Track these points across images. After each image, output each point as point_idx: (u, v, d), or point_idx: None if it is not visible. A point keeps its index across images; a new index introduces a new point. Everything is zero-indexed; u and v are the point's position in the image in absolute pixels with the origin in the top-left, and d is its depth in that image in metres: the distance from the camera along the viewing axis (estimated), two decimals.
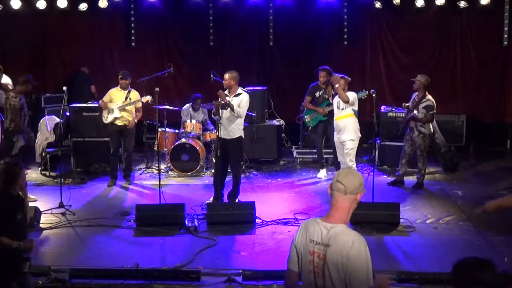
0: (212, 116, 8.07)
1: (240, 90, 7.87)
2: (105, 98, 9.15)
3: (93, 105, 10.08)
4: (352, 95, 8.44)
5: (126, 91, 9.10)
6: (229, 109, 7.66)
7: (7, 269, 4.54)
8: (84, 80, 11.77)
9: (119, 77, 9.11)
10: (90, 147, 10.00)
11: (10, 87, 10.58)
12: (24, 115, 8.57)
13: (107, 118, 9.12)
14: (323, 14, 11.78)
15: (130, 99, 9.06)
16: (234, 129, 7.78)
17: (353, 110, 8.45)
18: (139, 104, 9.11)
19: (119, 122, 9.08)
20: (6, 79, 10.71)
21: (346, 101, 8.39)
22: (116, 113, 9.03)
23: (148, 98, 8.93)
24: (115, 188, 9.08)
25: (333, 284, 3.15)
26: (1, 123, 9.37)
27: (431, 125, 8.70)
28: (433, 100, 8.54)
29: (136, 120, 9.26)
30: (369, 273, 3.14)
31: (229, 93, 7.83)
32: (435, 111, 8.61)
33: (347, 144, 8.45)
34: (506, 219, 7.21)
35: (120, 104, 9.00)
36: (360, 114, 9.01)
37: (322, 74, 9.38)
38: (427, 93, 8.62)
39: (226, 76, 7.84)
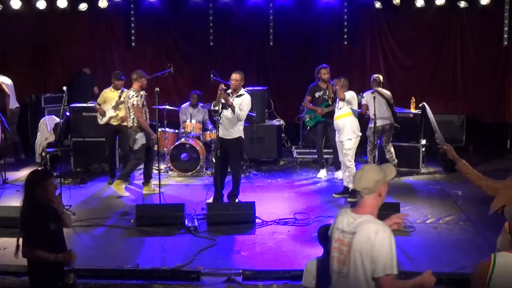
0: (212, 108, 8.00)
1: (242, 91, 7.87)
2: (99, 100, 9.18)
3: (93, 105, 10.07)
4: (349, 94, 8.40)
5: (119, 91, 9.11)
6: (230, 109, 7.66)
7: (51, 282, 4.41)
8: (86, 81, 11.77)
9: (113, 78, 9.14)
10: (90, 147, 10.00)
11: (5, 87, 10.62)
12: (145, 112, 8.53)
13: (102, 119, 9.13)
14: (323, 14, 11.79)
15: (122, 99, 9.06)
16: (234, 129, 7.77)
17: (351, 109, 8.38)
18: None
19: (114, 122, 9.09)
20: (4, 79, 10.74)
21: (342, 99, 8.35)
22: (111, 112, 9.04)
23: (142, 93, 8.91)
24: None
25: (356, 271, 3.27)
26: (1, 123, 9.39)
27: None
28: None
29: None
30: (393, 261, 3.25)
31: (231, 93, 7.81)
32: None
33: (345, 144, 8.39)
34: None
35: (114, 103, 9.01)
36: (360, 114, 9.01)
37: (324, 72, 9.36)
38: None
39: (237, 76, 7.78)
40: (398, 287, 3.31)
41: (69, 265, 4.48)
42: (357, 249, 3.26)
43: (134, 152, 8.54)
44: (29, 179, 4.46)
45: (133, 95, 8.33)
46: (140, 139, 8.38)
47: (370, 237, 3.23)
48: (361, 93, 8.90)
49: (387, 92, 9.78)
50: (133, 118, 8.38)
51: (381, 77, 9.89)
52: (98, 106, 9.17)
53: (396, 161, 9.56)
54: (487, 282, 3.17)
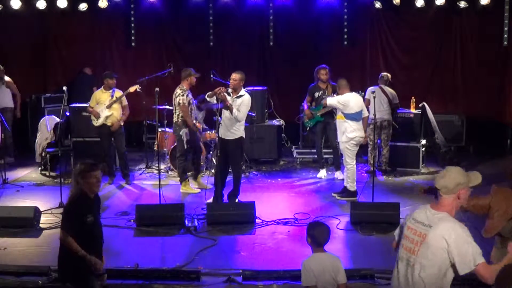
0: (206, 97, 7.99)
1: (243, 91, 7.87)
2: (91, 103, 9.14)
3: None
4: (343, 98, 8.21)
5: (110, 91, 9.11)
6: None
7: (79, 273, 4.55)
8: (86, 81, 11.77)
9: (105, 77, 9.11)
10: (90, 147, 9.97)
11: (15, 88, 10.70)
12: (191, 110, 8.59)
13: (98, 121, 9.11)
14: (323, 14, 11.78)
15: (116, 97, 9.07)
16: (234, 129, 7.76)
17: (343, 113, 8.25)
18: (125, 102, 9.16)
19: (109, 122, 9.08)
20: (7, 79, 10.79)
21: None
22: (106, 112, 9.02)
23: (136, 87, 8.97)
24: (114, 188, 9.09)
25: (424, 262, 3.41)
26: (1, 123, 9.39)
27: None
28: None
29: (123, 121, 9.23)
30: (477, 250, 3.36)
31: (232, 93, 7.81)
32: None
33: (339, 144, 8.58)
34: None
35: (107, 103, 8.99)
36: None
37: (323, 72, 9.37)
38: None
39: (236, 76, 7.76)
40: (493, 269, 3.42)
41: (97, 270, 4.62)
42: (431, 243, 3.40)
43: (177, 149, 8.77)
44: (76, 170, 4.63)
45: (180, 94, 8.41)
46: (185, 135, 8.49)
47: (444, 236, 3.37)
48: (359, 91, 8.97)
49: (391, 91, 9.80)
50: (178, 115, 8.49)
51: (389, 76, 9.99)
52: (91, 109, 9.14)
53: (385, 167, 9.61)
54: None
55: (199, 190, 8.66)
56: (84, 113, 10.06)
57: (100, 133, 9.23)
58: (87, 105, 10.14)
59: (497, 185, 4.63)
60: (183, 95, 8.39)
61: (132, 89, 9.00)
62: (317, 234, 4.37)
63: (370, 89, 9.41)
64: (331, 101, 8.40)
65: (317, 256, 4.32)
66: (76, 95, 10.90)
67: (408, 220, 3.65)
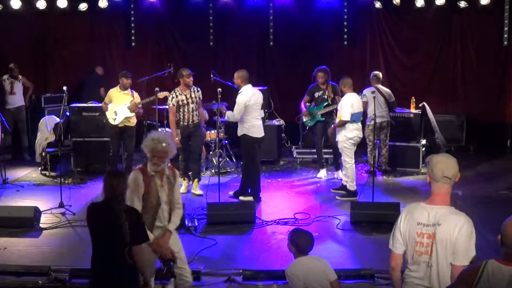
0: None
1: (242, 89, 7.99)
2: (106, 100, 9.12)
3: (93, 105, 10.08)
4: (348, 111, 8.21)
5: (127, 91, 9.08)
6: None
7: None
8: (97, 81, 11.78)
9: (123, 77, 9.04)
10: (90, 147, 9.99)
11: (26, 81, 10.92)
12: (186, 111, 8.50)
13: (116, 119, 9.03)
14: (323, 14, 11.78)
15: (146, 101, 9.06)
16: (239, 127, 8.00)
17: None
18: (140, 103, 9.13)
19: (120, 124, 9.06)
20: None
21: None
22: (127, 113, 8.99)
23: (165, 93, 8.74)
24: None
25: (438, 260, 3.42)
26: (1, 123, 9.39)
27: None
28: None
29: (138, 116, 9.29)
30: (473, 249, 3.41)
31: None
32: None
33: (338, 144, 8.55)
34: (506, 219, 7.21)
35: (129, 103, 8.95)
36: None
37: (320, 75, 9.36)
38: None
39: (235, 75, 8.05)
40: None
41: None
42: (442, 239, 3.40)
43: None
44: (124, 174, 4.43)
45: (170, 95, 8.43)
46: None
47: (456, 228, 3.38)
48: (361, 92, 8.98)
49: (386, 90, 9.81)
50: (196, 114, 8.47)
51: (380, 74, 9.95)
52: (105, 105, 9.10)
53: (385, 167, 9.62)
54: None
55: (201, 193, 8.51)
56: (84, 113, 10.07)
57: (110, 132, 9.19)
58: (87, 105, 10.18)
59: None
60: (169, 96, 8.39)
61: (161, 95, 8.75)
62: (302, 243, 4.37)
63: (369, 89, 9.37)
64: (347, 116, 8.21)
65: (299, 260, 4.33)
66: (86, 94, 11.03)
67: (413, 227, 3.53)
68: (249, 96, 7.95)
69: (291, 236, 4.44)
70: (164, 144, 4.59)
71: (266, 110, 10.71)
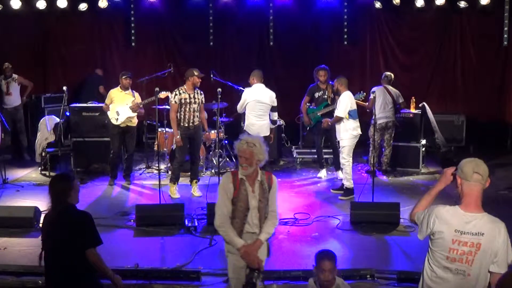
0: None
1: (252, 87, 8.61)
2: (107, 100, 9.11)
3: (93, 105, 10.08)
4: (343, 109, 8.33)
5: (128, 91, 9.08)
6: None
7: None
8: (96, 82, 11.80)
9: (123, 77, 9.02)
10: (90, 147, 9.98)
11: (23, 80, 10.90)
12: (187, 110, 8.41)
13: (118, 119, 9.02)
14: (323, 14, 11.79)
15: (147, 101, 9.06)
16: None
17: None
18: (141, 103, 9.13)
19: (122, 124, 9.06)
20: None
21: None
22: (129, 113, 8.98)
23: (166, 93, 8.77)
24: (115, 188, 9.09)
25: (480, 270, 3.42)
26: (1, 123, 9.39)
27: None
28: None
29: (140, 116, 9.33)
30: (511, 254, 3.45)
31: None
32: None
33: (339, 143, 8.65)
34: (506, 219, 7.21)
35: (131, 104, 8.96)
36: (361, 114, 9.02)
37: (321, 73, 9.38)
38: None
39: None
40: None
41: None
42: (485, 249, 3.41)
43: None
44: (71, 179, 4.39)
45: (173, 92, 8.40)
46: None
47: (498, 239, 3.41)
48: (361, 91, 9.09)
49: (395, 91, 9.84)
50: (197, 115, 8.46)
51: (392, 76, 9.97)
52: (105, 106, 9.08)
53: (386, 167, 9.63)
54: None
55: (178, 196, 8.46)
56: (84, 113, 10.06)
57: (112, 132, 9.18)
58: (87, 105, 10.18)
59: None
60: (172, 93, 8.35)
61: (163, 95, 8.78)
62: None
63: (378, 88, 9.42)
64: (342, 112, 8.35)
65: None
66: (86, 94, 11.04)
67: (449, 232, 3.50)
68: (251, 93, 8.34)
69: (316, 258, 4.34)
70: (249, 144, 4.49)
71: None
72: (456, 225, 3.48)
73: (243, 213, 4.42)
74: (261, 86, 8.60)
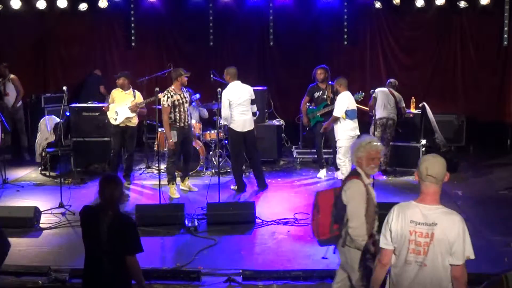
0: None
1: (227, 86, 8.39)
2: (110, 101, 9.11)
3: (93, 105, 10.08)
4: (341, 108, 8.48)
5: (129, 91, 9.08)
6: None
7: None
8: (95, 82, 11.80)
9: (116, 78, 9.05)
10: (90, 147, 9.98)
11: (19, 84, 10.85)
12: (183, 111, 8.42)
13: (116, 119, 9.01)
14: (323, 14, 11.79)
15: (147, 101, 9.04)
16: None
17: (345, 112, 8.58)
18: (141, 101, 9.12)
19: (121, 124, 9.05)
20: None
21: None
22: (128, 113, 8.97)
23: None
24: None
25: (435, 259, 3.45)
26: (1, 123, 9.39)
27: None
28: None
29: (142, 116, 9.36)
30: (469, 247, 3.50)
31: None
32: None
33: (338, 143, 8.68)
34: (506, 219, 7.22)
35: (130, 104, 8.96)
36: (361, 114, 9.03)
37: (319, 72, 9.39)
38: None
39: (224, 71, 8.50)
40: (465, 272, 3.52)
41: None
42: (439, 239, 3.43)
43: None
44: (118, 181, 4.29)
45: (163, 95, 8.35)
46: (173, 136, 8.44)
47: (453, 227, 3.43)
48: (360, 91, 9.08)
49: (398, 95, 9.85)
50: (189, 114, 8.50)
51: (397, 82, 10.03)
52: (107, 107, 9.08)
53: (385, 167, 9.65)
54: None
55: (178, 196, 8.47)
56: (84, 113, 10.06)
57: (111, 132, 9.17)
58: (87, 105, 10.17)
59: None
60: (164, 96, 8.28)
61: (161, 96, 8.75)
62: None
63: (381, 88, 9.53)
64: (339, 112, 8.47)
65: None
66: (84, 95, 11.05)
67: (405, 224, 3.55)
68: (231, 93, 8.30)
69: None
70: (379, 143, 4.38)
71: (266, 110, 10.72)
72: (411, 216, 3.54)
73: (372, 218, 4.36)
74: (238, 83, 8.45)
